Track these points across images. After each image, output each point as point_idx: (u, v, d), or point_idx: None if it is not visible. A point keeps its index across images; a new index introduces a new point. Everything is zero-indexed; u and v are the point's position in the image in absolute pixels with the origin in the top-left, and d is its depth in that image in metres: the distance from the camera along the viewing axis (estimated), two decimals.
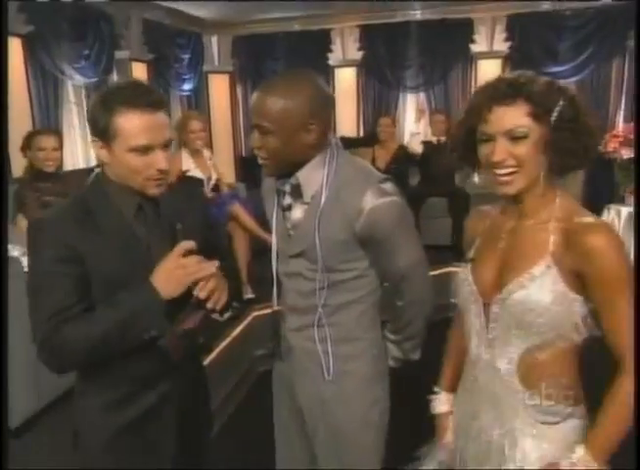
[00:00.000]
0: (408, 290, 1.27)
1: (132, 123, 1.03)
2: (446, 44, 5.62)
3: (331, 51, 5.92)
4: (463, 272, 1.14)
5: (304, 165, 1.20)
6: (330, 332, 1.26)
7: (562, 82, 1.02)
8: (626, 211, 3.98)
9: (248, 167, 6.31)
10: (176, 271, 1.02)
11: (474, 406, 1.13)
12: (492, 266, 1.09)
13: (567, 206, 1.03)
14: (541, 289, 0.99)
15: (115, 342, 1.01)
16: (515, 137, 0.97)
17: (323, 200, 1.19)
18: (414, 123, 4.77)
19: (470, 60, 5.71)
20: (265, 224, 3.40)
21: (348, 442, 1.30)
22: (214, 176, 3.45)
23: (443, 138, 4.85)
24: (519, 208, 1.06)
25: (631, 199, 3.98)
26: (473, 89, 5.72)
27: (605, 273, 0.94)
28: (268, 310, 3.18)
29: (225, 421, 2.43)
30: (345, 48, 5.91)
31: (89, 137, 1.13)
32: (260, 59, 6.13)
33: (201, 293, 1.05)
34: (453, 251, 4.30)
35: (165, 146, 1.08)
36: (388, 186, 1.19)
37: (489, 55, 5.59)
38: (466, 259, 1.15)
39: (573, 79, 5.31)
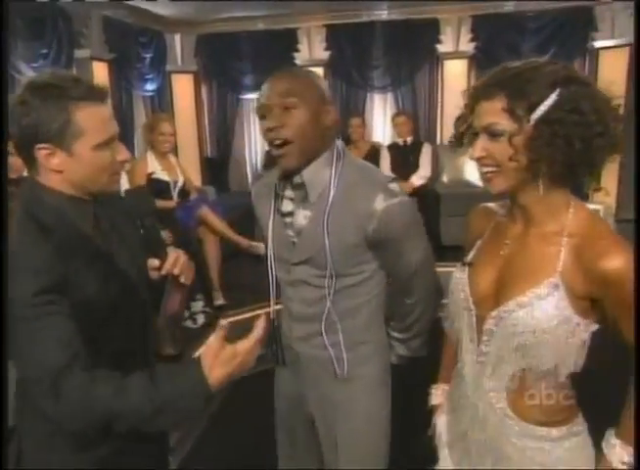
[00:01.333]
0: (419, 286, 1.26)
1: (94, 118, 0.98)
2: (413, 44, 5.73)
3: (297, 51, 5.95)
4: (458, 276, 1.08)
5: (309, 164, 1.18)
6: (340, 337, 1.25)
7: None
8: (592, 208, 4.19)
9: (214, 169, 6.29)
10: (222, 354, 0.92)
11: (462, 425, 1.09)
12: (491, 275, 1.02)
13: (582, 218, 0.95)
14: (545, 310, 0.92)
15: (148, 421, 0.90)
16: (493, 134, 0.93)
17: (330, 201, 1.17)
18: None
19: (436, 60, 5.84)
20: (235, 227, 3.42)
21: (362, 445, 1.30)
22: (181, 179, 3.45)
23: (409, 138, 4.99)
24: (524, 213, 1.00)
25: (596, 197, 4.20)
26: (440, 89, 5.90)
27: (622, 297, 0.89)
28: (243, 317, 3.23)
29: (200, 434, 2.42)
30: (312, 48, 5.95)
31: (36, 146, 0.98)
32: (225, 58, 6.11)
33: (175, 269, 1.07)
34: None
35: (118, 137, 1.05)
36: (396, 186, 1.19)
37: (455, 55, 5.74)
38: (463, 261, 1.09)
39: None
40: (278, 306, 1.38)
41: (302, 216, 1.22)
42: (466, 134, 1.00)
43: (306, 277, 1.23)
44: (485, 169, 0.96)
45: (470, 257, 1.09)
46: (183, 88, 6.23)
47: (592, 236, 0.92)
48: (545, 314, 0.92)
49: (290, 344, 1.34)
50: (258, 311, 3.26)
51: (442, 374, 1.24)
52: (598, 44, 5.32)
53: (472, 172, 5.13)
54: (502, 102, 0.91)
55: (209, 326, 3.07)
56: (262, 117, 1.17)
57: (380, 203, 1.14)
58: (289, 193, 1.24)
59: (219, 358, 0.91)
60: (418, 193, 4.66)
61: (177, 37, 6.18)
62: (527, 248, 0.98)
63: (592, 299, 0.92)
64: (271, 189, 1.28)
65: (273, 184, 1.28)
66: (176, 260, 1.07)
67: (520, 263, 0.98)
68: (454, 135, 1.04)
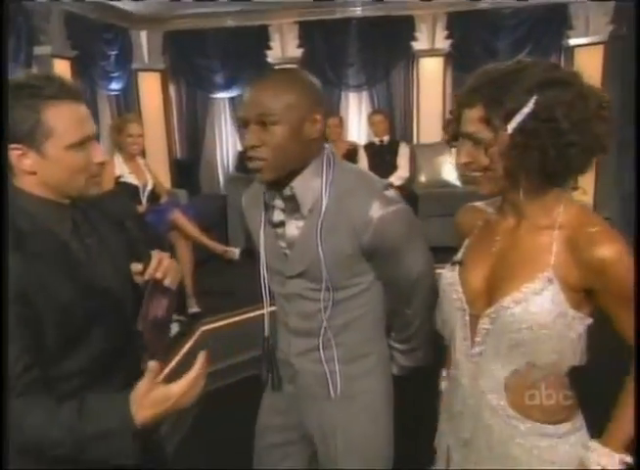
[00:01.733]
0: (418, 296, 1.24)
1: (66, 117, 0.98)
2: (388, 42, 5.79)
3: (269, 48, 5.96)
4: (449, 276, 1.09)
5: (298, 174, 1.16)
6: (338, 352, 1.23)
7: None
8: None
9: (184, 172, 6.27)
10: (153, 395, 0.91)
11: (463, 433, 1.09)
12: (483, 272, 1.04)
13: (573, 211, 0.98)
14: (540, 305, 0.94)
15: (76, 453, 0.90)
16: (474, 142, 0.96)
17: (323, 211, 1.14)
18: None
19: (412, 58, 5.92)
20: (208, 231, 3.44)
21: (363, 465, 1.28)
22: (151, 183, 3.45)
23: (386, 138, 5.06)
24: (515, 207, 1.02)
25: (573, 196, 4.34)
26: (415, 87, 5.99)
27: (618, 286, 0.91)
28: (218, 324, 3.25)
29: (174, 449, 2.42)
30: (285, 45, 5.96)
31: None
32: (194, 56, 6.07)
33: (158, 273, 1.04)
34: None
35: (95, 138, 1.05)
36: (392, 193, 1.17)
37: (431, 53, 5.82)
38: (453, 261, 1.10)
39: None
40: (266, 314, 1.33)
41: (294, 227, 1.20)
42: (453, 138, 1.04)
43: (301, 291, 1.22)
44: (473, 173, 1.00)
45: (459, 255, 1.12)
46: (150, 87, 6.20)
47: (583, 226, 0.94)
48: (542, 309, 0.94)
49: (288, 359, 1.31)
50: (234, 319, 3.29)
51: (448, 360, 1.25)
52: (573, 42, 5.47)
53: (449, 172, 5.24)
54: (480, 111, 0.94)
55: (184, 336, 3.07)
56: (244, 127, 1.16)
57: (375, 211, 1.12)
58: (279, 203, 1.22)
59: (149, 399, 0.91)
60: None
61: (143, 34, 6.14)
62: (519, 243, 1.00)
63: (586, 290, 0.95)
64: (260, 198, 1.26)
65: (262, 193, 1.26)
66: (159, 263, 1.05)
67: (512, 259, 1.00)
68: (447, 135, 1.06)
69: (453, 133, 1.04)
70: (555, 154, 0.91)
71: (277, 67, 6.02)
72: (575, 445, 1.01)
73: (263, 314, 1.34)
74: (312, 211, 1.17)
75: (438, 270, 3.99)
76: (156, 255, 1.07)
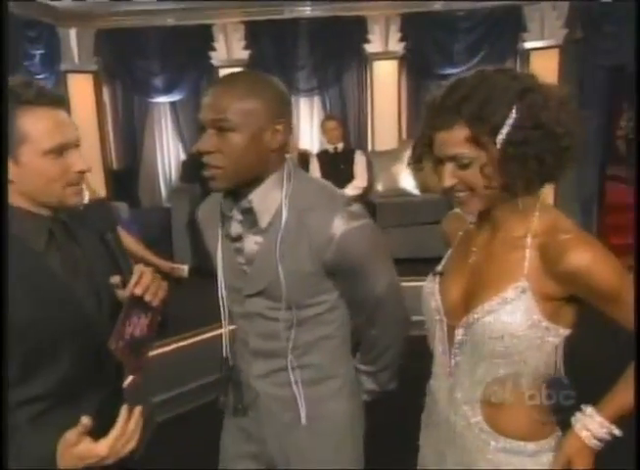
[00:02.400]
0: (383, 316, 1.26)
1: (42, 123, 1.00)
2: (339, 44, 5.89)
3: (213, 49, 5.93)
4: (429, 286, 1.13)
5: (257, 186, 1.16)
6: (302, 374, 1.24)
7: None
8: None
9: (121, 183, 6.17)
10: (77, 450, 0.96)
11: (439, 445, 1.13)
12: (460, 284, 1.08)
13: (547, 219, 1.01)
14: (512, 315, 0.98)
15: None
16: (461, 164, 0.98)
17: (282, 226, 1.14)
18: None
19: (365, 60, 6.04)
20: (153, 248, 3.42)
21: None
22: (87, 194, 3.39)
23: (340, 145, 5.12)
24: (491, 220, 1.06)
25: None
26: (369, 92, 6.12)
27: (601, 289, 0.95)
28: (169, 348, 3.20)
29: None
30: (230, 46, 5.94)
31: None
32: (130, 57, 5.98)
33: (136, 289, 1.04)
34: None
35: (77, 145, 1.07)
36: (356, 208, 1.18)
37: (385, 56, 5.95)
38: (434, 271, 1.15)
39: None
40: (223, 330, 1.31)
41: (253, 242, 1.21)
42: (424, 158, 1.07)
43: (262, 310, 1.22)
44: (458, 194, 1.02)
45: (440, 266, 1.16)
46: (81, 90, 6.05)
47: (555, 234, 0.98)
48: (513, 319, 0.97)
49: (248, 382, 1.31)
50: (184, 343, 3.25)
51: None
52: (528, 45, 5.72)
53: (407, 180, 5.37)
54: (463, 131, 0.96)
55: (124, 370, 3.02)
56: (202, 130, 1.15)
57: (338, 227, 1.12)
58: (236, 215, 1.22)
59: (72, 454, 0.95)
60: None
61: (73, 32, 6.00)
62: (494, 254, 1.05)
63: (565, 298, 0.99)
64: (217, 210, 1.26)
65: (219, 205, 1.25)
66: (140, 278, 1.05)
67: (486, 270, 1.04)
68: (413, 158, 1.10)
69: (419, 157, 1.07)
70: (552, 159, 0.95)
71: (222, 69, 6.04)
72: (547, 465, 1.04)
73: (216, 337, 1.38)
74: (271, 226, 1.17)
75: (402, 284, 4.04)
76: (137, 269, 1.07)
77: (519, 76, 1.00)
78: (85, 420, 0.95)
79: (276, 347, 1.24)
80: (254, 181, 1.17)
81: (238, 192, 1.19)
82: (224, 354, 1.33)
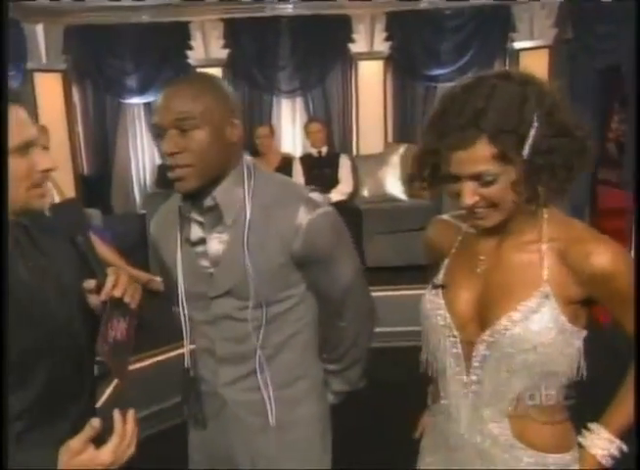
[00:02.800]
0: (351, 306, 1.32)
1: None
2: (323, 43, 5.92)
3: (190, 48, 5.91)
4: (432, 301, 1.12)
5: (219, 183, 1.22)
6: (271, 376, 1.28)
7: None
8: None
9: (92, 188, 6.12)
10: (80, 459, 0.96)
11: (464, 465, 1.11)
12: (471, 295, 1.08)
13: (557, 221, 1.04)
14: (541, 323, 0.99)
15: None
16: (484, 181, 0.97)
17: (248, 221, 1.20)
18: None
19: (349, 61, 6.07)
20: (127, 257, 3.42)
21: None
22: (57, 198, 3.37)
23: (324, 149, 5.17)
24: (497, 225, 1.05)
25: None
26: (354, 93, 6.15)
27: (619, 292, 0.98)
28: (143, 364, 3.18)
29: None
30: (208, 45, 5.93)
31: None
32: (102, 55, 5.94)
33: (116, 291, 1.06)
34: None
35: (45, 147, 1.04)
36: (317, 196, 1.28)
37: (370, 56, 5.98)
38: (434, 285, 1.13)
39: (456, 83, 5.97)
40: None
41: (217, 242, 1.25)
42: (432, 177, 1.04)
43: (230, 311, 1.25)
44: (477, 210, 1.02)
45: (440, 278, 1.14)
46: (49, 90, 6.00)
47: (574, 237, 1.01)
48: (542, 327, 0.99)
49: (215, 391, 1.33)
50: (161, 357, 3.23)
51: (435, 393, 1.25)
52: (518, 45, 5.79)
53: (394, 185, 5.42)
54: (487, 148, 0.94)
55: (102, 379, 3.00)
56: (158, 136, 1.21)
57: (303, 216, 1.20)
58: (197, 217, 1.26)
59: (76, 462, 0.96)
60: (337, 209, 4.85)
61: (39, 28, 5.96)
62: (506, 261, 1.05)
63: (582, 302, 1.02)
64: (176, 216, 1.30)
65: (177, 209, 1.29)
66: (117, 281, 1.07)
67: (501, 278, 1.04)
68: (416, 177, 1.08)
69: (431, 179, 1.05)
70: (578, 165, 0.98)
71: (199, 69, 6.03)
72: None
73: (203, 351, 1.37)
74: (236, 223, 1.23)
75: (386, 293, 4.06)
76: (112, 271, 1.09)
77: (526, 80, 0.99)
78: (95, 422, 0.96)
79: (245, 350, 1.27)
80: (216, 179, 1.22)
81: (198, 192, 1.23)
82: (185, 365, 1.36)
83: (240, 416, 1.33)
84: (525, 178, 0.96)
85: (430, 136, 1.01)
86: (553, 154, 0.95)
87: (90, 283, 1.10)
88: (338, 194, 4.96)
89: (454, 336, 1.08)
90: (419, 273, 1.26)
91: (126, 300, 1.09)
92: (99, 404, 2.77)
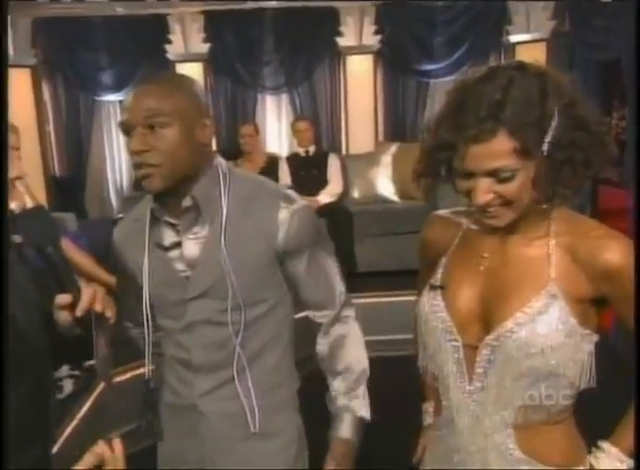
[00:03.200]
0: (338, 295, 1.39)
1: None
2: (309, 37, 5.95)
3: (169, 42, 5.91)
4: (430, 303, 1.10)
5: (195, 183, 1.25)
6: (251, 383, 1.30)
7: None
8: None
9: (64, 192, 6.08)
10: None
11: None
12: (473, 295, 1.06)
13: (565, 217, 1.04)
14: (549, 325, 0.98)
15: None
16: (502, 177, 0.96)
17: (224, 219, 1.25)
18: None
19: (337, 55, 6.10)
20: (103, 264, 3.36)
21: None
22: (30, 205, 3.34)
23: (312, 148, 5.19)
24: None
25: None
26: (343, 89, 6.17)
27: (628, 288, 0.98)
28: (123, 377, 3.15)
29: None
30: (188, 38, 5.93)
31: None
32: (74, 50, 5.93)
33: (97, 305, 1.06)
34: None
35: (16, 148, 1.04)
36: (293, 193, 1.37)
37: (359, 50, 6.03)
38: (432, 286, 1.12)
39: (449, 78, 6.02)
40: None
41: (193, 244, 1.28)
42: (438, 172, 1.03)
43: (207, 315, 1.27)
44: (490, 209, 1.00)
45: (438, 278, 1.13)
46: (18, 87, 5.90)
47: (583, 232, 1.01)
48: (550, 329, 0.98)
49: (191, 403, 1.34)
50: (140, 371, 3.19)
51: (427, 393, 1.28)
52: (514, 39, 5.83)
53: (386, 186, 5.44)
54: (508, 142, 0.93)
55: (80, 394, 2.97)
56: (126, 134, 1.23)
57: (284, 210, 1.27)
58: (170, 220, 1.29)
59: None
60: (326, 212, 4.86)
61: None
62: (512, 258, 1.05)
63: (593, 301, 1.01)
64: (144, 222, 1.31)
65: (146, 215, 1.31)
66: (95, 295, 1.07)
67: (506, 277, 1.04)
68: (427, 173, 1.06)
69: (441, 176, 1.03)
70: (597, 161, 0.98)
71: (179, 64, 6.03)
72: None
73: (176, 362, 1.37)
74: (213, 222, 1.27)
75: (378, 299, 4.05)
76: (87, 286, 1.08)
77: (542, 71, 0.99)
78: (116, 441, 0.94)
79: (223, 357, 1.29)
80: (189, 179, 1.25)
81: (172, 194, 1.26)
82: (146, 376, 1.35)
83: (217, 428, 1.34)
84: (546, 175, 0.96)
85: (445, 129, 0.98)
86: (574, 149, 0.95)
87: (64, 298, 1.08)
88: (326, 195, 4.96)
89: (456, 340, 1.07)
90: (413, 278, 1.24)
91: (107, 314, 1.09)
92: (80, 415, 2.77)
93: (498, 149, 0.94)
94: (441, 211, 1.21)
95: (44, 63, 6.07)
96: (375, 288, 4.28)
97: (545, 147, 0.94)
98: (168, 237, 1.30)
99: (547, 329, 0.99)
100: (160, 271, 1.31)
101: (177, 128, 1.20)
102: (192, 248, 1.29)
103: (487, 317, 1.04)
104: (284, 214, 1.27)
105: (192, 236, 1.29)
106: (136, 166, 1.23)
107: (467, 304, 1.07)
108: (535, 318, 0.99)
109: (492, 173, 0.96)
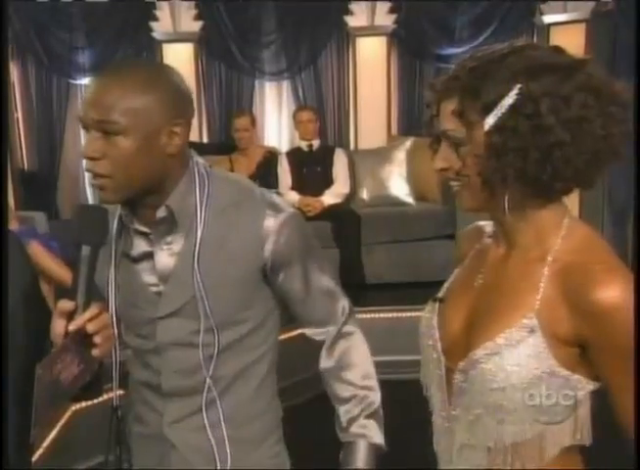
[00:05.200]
0: (341, 308, 1.39)
1: None
2: (315, 16, 5.94)
3: (155, 19, 5.93)
4: (427, 318, 1.14)
5: (170, 192, 1.25)
6: (225, 413, 1.32)
7: None
8: None
9: (34, 188, 6.12)
10: None
11: None
12: (463, 313, 1.09)
13: (573, 240, 1.02)
14: (517, 361, 0.97)
15: None
16: (452, 142, 1.03)
17: (200, 230, 1.25)
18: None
19: (346, 37, 6.11)
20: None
21: None
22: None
23: (316, 142, 5.21)
24: (506, 234, 1.07)
25: None
26: (352, 76, 6.12)
27: (614, 340, 0.94)
28: (96, 401, 3.16)
29: None
30: (177, 16, 5.95)
31: None
32: (47, 28, 5.95)
33: (90, 325, 1.08)
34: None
35: None
36: (279, 199, 1.37)
37: (371, 31, 6.03)
38: (434, 298, 1.16)
39: None
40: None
41: (166, 256, 1.29)
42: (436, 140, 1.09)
43: (180, 336, 1.29)
44: (452, 183, 1.07)
45: (442, 290, 1.17)
46: None
47: (582, 261, 0.97)
48: (518, 366, 0.96)
49: (160, 432, 1.35)
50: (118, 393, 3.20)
51: None
52: (548, 19, 5.88)
53: (399, 186, 5.39)
54: (456, 104, 1.01)
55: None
56: (85, 131, 1.21)
57: (271, 219, 1.27)
58: (142, 228, 1.29)
59: None
60: (330, 214, 4.88)
61: None
62: (505, 278, 1.05)
63: (580, 344, 0.97)
64: (112, 229, 1.30)
65: (114, 221, 1.30)
66: (98, 314, 1.10)
67: (493, 298, 1.04)
68: (430, 142, 1.12)
69: (436, 134, 1.10)
70: (538, 156, 0.96)
71: (166, 44, 6.05)
72: None
73: (146, 386, 1.39)
74: (189, 234, 1.27)
75: (388, 315, 4.04)
76: (95, 305, 1.11)
77: (553, 54, 1.02)
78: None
79: (194, 383, 1.31)
80: (161, 188, 1.25)
81: (140, 203, 1.26)
82: (113, 403, 1.36)
83: (189, 460, 1.35)
84: (479, 152, 1.00)
85: (432, 84, 1.10)
86: (511, 134, 0.97)
87: (67, 304, 1.10)
88: (331, 196, 4.99)
89: (439, 360, 1.10)
90: (428, 291, 1.27)
91: (97, 340, 1.10)
92: (42, 450, 2.79)
93: (448, 108, 1.02)
94: (482, 222, 1.21)
95: (12, 41, 6.05)
96: (385, 302, 4.30)
97: (486, 123, 0.98)
98: (138, 246, 1.31)
99: (514, 365, 0.97)
100: (128, 285, 1.32)
101: (134, 137, 1.18)
102: (165, 260, 1.29)
103: (469, 340, 1.05)
104: (270, 224, 1.27)
105: (165, 247, 1.29)
106: (89, 173, 1.23)
107: (456, 321, 1.09)
108: (504, 351, 0.98)
109: (445, 135, 1.04)
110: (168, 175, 1.26)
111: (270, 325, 1.38)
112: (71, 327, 1.09)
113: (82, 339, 1.10)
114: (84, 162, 1.22)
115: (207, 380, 1.29)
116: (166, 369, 1.32)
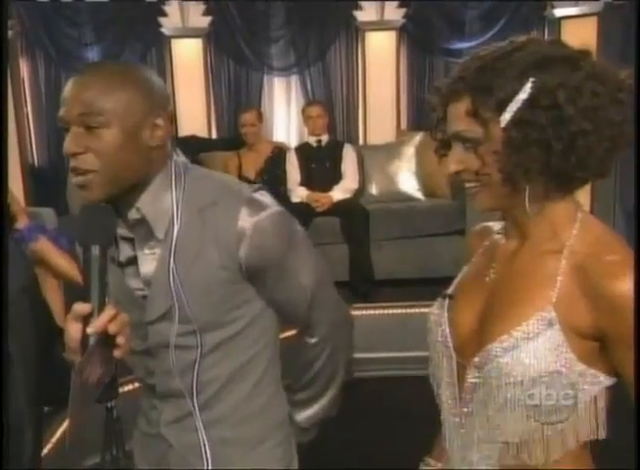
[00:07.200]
0: (322, 317, 1.36)
1: None
2: (323, 10, 5.96)
3: (164, 14, 5.95)
4: (436, 313, 1.14)
5: (142, 192, 1.24)
6: (221, 413, 1.32)
7: None
8: None
9: (44, 183, 6.12)
10: None
11: None
12: (474, 309, 1.09)
13: (589, 233, 1.02)
14: (535, 355, 0.97)
15: None
16: (466, 144, 1.03)
17: (176, 231, 1.23)
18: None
19: (355, 32, 6.13)
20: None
21: None
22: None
23: (325, 137, 5.20)
24: (518, 228, 1.08)
25: None
26: (361, 71, 6.15)
27: (627, 328, 0.94)
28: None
29: None
30: (185, 11, 5.97)
31: None
32: (56, 23, 5.97)
33: (112, 326, 1.07)
34: (351, 288, 4.54)
35: None
36: (264, 196, 1.29)
37: (380, 25, 6.05)
38: (443, 294, 1.15)
39: None
40: None
41: (150, 260, 1.28)
42: (443, 145, 1.10)
43: (171, 338, 1.28)
44: (468, 184, 1.06)
45: (452, 286, 1.17)
46: None
47: (599, 253, 0.98)
48: (536, 359, 0.97)
49: (159, 432, 1.36)
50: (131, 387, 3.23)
51: (435, 448, 1.25)
52: (559, 13, 5.87)
53: (408, 182, 5.37)
54: (467, 103, 1.01)
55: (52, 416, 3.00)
56: (65, 131, 1.20)
57: (245, 220, 1.22)
58: (125, 233, 1.28)
59: None
60: (339, 210, 4.89)
61: None
62: (518, 272, 1.05)
63: (598, 337, 0.98)
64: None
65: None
66: (116, 315, 1.09)
67: (508, 292, 1.04)
68: (436, 146, 1.13)
69: (443, 137, 1.10)
70: (562, 148, 0.97)
71: (175, 40, 6.07)
72: None
73: (144, 386, 1.41)
74: (166, 236, 1.25)
75: (397, 311, 4.01)
76: (110, 305, 1.11)
77: (555, 47, 1.03)
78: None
79: (187, 384, 1.30)
80: (136, 187, 1.24)
81: (120, 204, 1.25)
82: (108, 405, 1.39)
83: (187, 460, 1.35)
84: (499, 149, 1.00)
85: (438, 86, 1.10)
86: (531, 128, 0.98)
87: (84, 307, 1.09)
88: (340, 191, 4.98)
89: (450, 357, 1.10)
90: (437, 287, 1.26)
91: (119, 341, 1.10)
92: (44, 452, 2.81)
93: (461, 110, 1.02)
94: (490, 223, 1.23)
95: (22, 37, 6.10)
96: (394, 298, 4.26)
97: (503, 119, 0.99)
98: (124, 251, 1.30)
99: (532, 358, 0.97)
100: (118, 290, 1.31)
101: (117, 130, 1.18)
102: (148, 264, 1.28)
103: (482, 335, 1.05)
104: (246, 226, 1.23)
105: (148, 251, 1.29)
106: (72, 171, 1.20)
107: (468, 317, 1.09)
108: (521, 344, 0.98)
109: (457, 137, 1.03)
110: (149, 171, 1.25)
111: (263, 323, 1.35)
112: (92, 329, 1.08)
113: (105, 341, 1.10)
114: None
115: (194, 382, 1.29)
116: (160, 370, 1.33)
